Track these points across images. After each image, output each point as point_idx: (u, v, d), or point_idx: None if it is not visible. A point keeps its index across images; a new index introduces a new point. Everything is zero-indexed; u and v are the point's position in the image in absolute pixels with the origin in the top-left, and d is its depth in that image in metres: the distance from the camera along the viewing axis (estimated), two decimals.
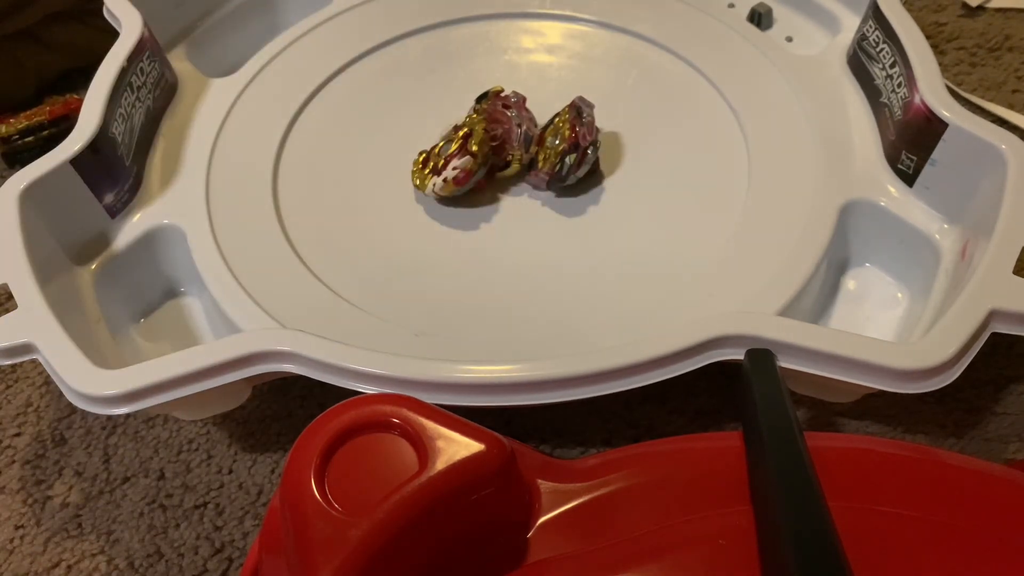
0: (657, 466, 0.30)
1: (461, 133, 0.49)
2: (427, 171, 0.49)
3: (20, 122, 0.57)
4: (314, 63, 0.57)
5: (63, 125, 0.57)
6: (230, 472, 0.44)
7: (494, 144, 0.49)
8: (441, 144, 0.50)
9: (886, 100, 0.49)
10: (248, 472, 0.44)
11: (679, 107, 0.54)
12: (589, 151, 0.49)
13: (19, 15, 0.59)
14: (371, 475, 0.27)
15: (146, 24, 0.52)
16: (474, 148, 0.48)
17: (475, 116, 0.50)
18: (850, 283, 0.47)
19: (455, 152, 0.48)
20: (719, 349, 0.38)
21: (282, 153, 0.52)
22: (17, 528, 0.43)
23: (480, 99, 0.51)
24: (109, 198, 0.47)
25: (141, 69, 0.50)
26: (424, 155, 0.50)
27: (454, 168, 0.48)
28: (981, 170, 0.43)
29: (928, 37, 0.47)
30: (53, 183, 0.44)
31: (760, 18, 0.59)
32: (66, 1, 0.61)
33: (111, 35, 0.52)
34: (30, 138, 0.57)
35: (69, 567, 0.41)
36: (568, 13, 0.59)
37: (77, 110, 0.48)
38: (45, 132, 0.57)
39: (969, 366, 0.36)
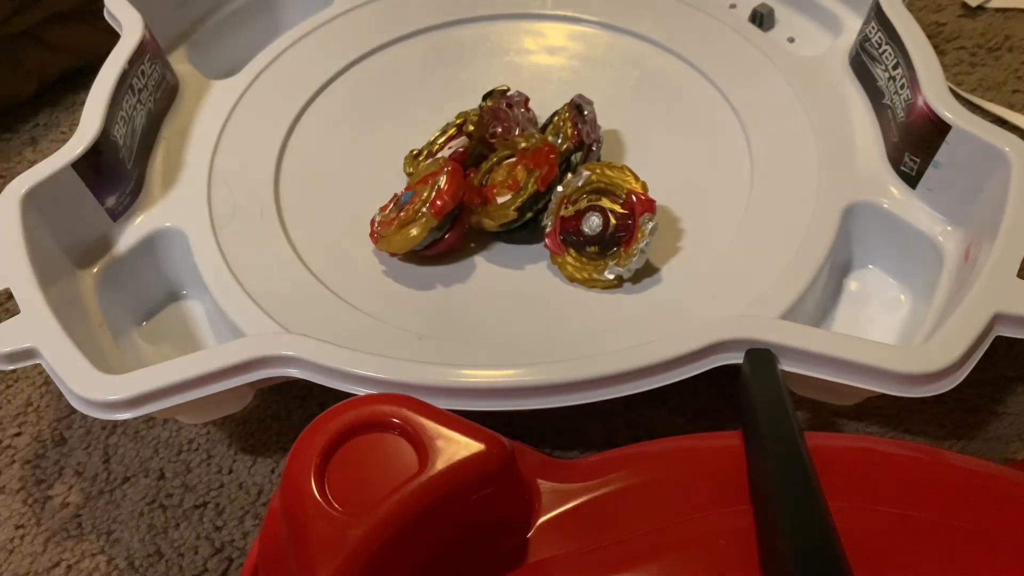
0: (657, 466, 0.30)
1: (456, 121, 0.50)
2: (422, 158, 0.50)
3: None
4: (315, 65, 0.57)
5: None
6: (230, 472, 0.44)
7: (492, 141, 0.49)
8: (434, 137, 0.51)
9: (889, 102, 0.49)
10: (248, 472, 0.44)
11: (681, 108, 0.54)
12: (594, 147, 0.49)
13: (22, 16, 0.59)
14: (371, 475, 0.27)
15: (147, 26, 0.52)
16: (470, 129, 0.49)
17: (468, 112, 0.51)
18: (853, 285, 0.47)
19: (449, 138, 0.49)
20: (723, 353, 0.38)
21: (284, 155, 0.52)
22: (17, 528, 0.43)
23: (486, 97, 0.52)
24: (111, 201, 0.47)
25: (142, 71, 0.51)
26: (415, 151, 0.51)
27: (449, 148, 0.48)
28: (985, 172, 0.43)
29: (928, 37, 0.47)
30: (55, 186, 0.44)
31: (762, 19, 0.58)
32: (70, 1, 0.61)
33: (112, 34, 0.52)
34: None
35: (69, 567, 0.41)
36: (570, 14, 0.59)
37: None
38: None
39: None
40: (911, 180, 0.46)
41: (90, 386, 0.38)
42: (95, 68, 0.48)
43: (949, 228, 0.45)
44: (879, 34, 0.50)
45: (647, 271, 0.46)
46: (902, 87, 0.47)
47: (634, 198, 0.44)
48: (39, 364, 0.39)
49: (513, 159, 0.48)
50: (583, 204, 0.46)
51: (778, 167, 0.49)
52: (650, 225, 0.44)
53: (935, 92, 0.45)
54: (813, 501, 0.26)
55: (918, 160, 0.46)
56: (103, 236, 0.47)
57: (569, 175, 0.47)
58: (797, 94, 0.52)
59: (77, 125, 0.46)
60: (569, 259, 0.46)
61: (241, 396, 0.42)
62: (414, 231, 0.45)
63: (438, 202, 0.44)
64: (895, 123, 0.48)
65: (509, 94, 0.51)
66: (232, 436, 0.45)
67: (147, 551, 0.41)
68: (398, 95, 0.56)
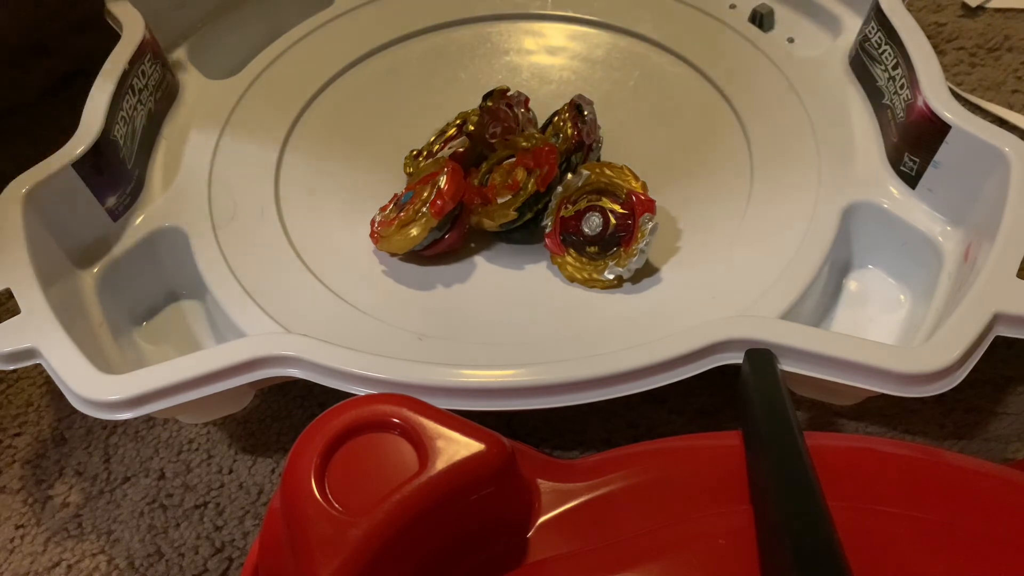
0: (657, 466, 0.30)
1: (456, 121, 0.51)
2: (422, 158, 0.50)
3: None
4: (316, 65, 0.57)
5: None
6: (230, 472, 0.44)
7: (492, 141, 0.50)
8: (434, 137, 0.51)
9: (888, 102, 0.49)
10: (248, 472, 0.44)
11: (681, 108, 0.54)
12: (594, 147, 0.49)
13: (38, 31, 0.59)
14: (371, 475, 0.27)
15: (147, 26, 0.52)
16: (470, 129, 0.49)
17: (468, 112, 0.51)
18: (852, 285, 0.47)
19: (449, 138, 0.49)
20: (723, 353, 0.38)
21: (284, 155, 0.52)
22: (17, 528, 0.43)
23: (487, 97, 0.52)
24: (111, 201, 0.47)
25: (142, 71, 0.51)
26: (415, 151, 0.51)
27: (449, 148, 0.48)
28: (984, 172, 0.43)
29: (928, 37, 0.47)
30: (55, 186, 0.44)
31: (762, 19, 0.58)
32: (83, 13, 0.61)
33: (113, 38, 0.52)
34: None
35: (69, 567, 0.41)
36: (569, 14, 0.59)
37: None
38: None
39: None
40: (911, 180, 0.46)
41: (90, 386, 0.38)
42: (93, 72, 0.48)
43: (949, 228, 0.45)
44: (879, 34, 0.50)
45: (647, 271, 0.46)
46: (902, 87, 0.47)
47: (634, 198, 0.44)
48: (39, 364, 0.39)
49: (513, 159, 0.48)
50: (583, 204, 0.46)
51: (778, 167, 0.49)
52: (650, 225, 0.44)
53: (935, 92, 0.45)
54: (813, 501, 0.26)
55: (918, 160, 0.46)
56: (103, 236, 0.47)
57: (569, 175, 0.47)
58: (797, 94, 0.52)
59: (77, 125, 0.46)
60: (569, 259, 0.46)
61: (241, 396, 0.42)
62: (414, 231, 0.45)
63: (438, 202, 0.44)
64: (895, 123, 0.48)
65: (509, 94, 0.51)
66: (232, 436, 0.45)
67: (147, 551, 0.41)
68: (398, 95, 0.56)
